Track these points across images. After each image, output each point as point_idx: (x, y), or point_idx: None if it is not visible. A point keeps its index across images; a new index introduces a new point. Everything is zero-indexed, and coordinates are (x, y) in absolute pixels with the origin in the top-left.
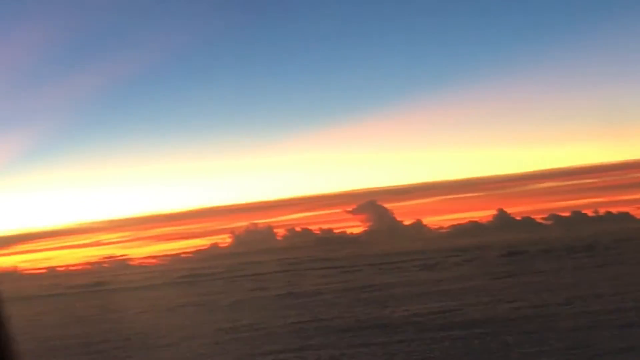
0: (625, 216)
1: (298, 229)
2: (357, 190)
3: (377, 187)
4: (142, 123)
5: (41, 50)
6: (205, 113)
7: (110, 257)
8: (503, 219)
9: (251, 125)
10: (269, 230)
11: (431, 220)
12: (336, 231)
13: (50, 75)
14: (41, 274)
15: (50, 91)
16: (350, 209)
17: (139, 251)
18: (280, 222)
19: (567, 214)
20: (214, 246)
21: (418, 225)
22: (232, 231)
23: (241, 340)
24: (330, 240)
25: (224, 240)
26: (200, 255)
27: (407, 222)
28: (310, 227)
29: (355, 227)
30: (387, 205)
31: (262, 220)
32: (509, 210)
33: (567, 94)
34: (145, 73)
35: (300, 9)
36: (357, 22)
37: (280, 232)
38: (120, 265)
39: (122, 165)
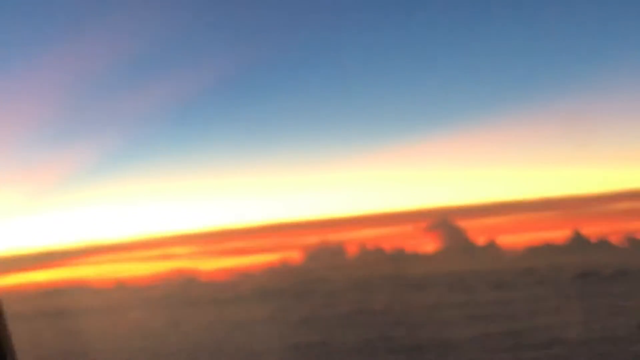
0: None
1: (370, 246)
2: (431, 207)
3: (451, 205)
4: (214, 135)
5: (109, 60)
6: (280, 126)
7: (180, 270)
8: (578, 240)
9: (324, 140)
10: (340, 246)
11: (505, 240)
12: (408, 249)
13: (120, 85)
14: (109, 287)
15: (120, 102)
16: (423, 226)
17: (209, 265)
18: (352, 238)
19: None
20: (284, 262)
21: (491, 244)
22: (303, 247)
23: (311, 357)
24: (401, 258)
25: (295, 256)
26: (270, 270)
27: (480, 241)
28: (382, 245)
29: (428, 245)
30: (461, 224)
31: (334, 237)
32: (585, 231)
33: None
34: (218, 86)
35: (371, 25)
36: (429, 35)
37: (352, 248)
38: (190, 279)
39: (193, 177)
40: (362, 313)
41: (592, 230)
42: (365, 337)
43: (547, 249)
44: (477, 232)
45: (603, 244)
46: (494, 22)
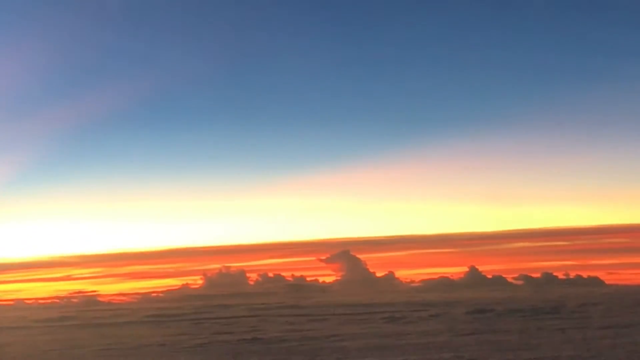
0: (594, 280)
1: (270, 274)
2: (332, 239)
3: (352, 237)
4: (119, 160)
5: (18, 81)
6: (184, 154)
7: (80, 292)
8: (474, 276)
9: (228, 169)
10: (241, 274)
11: (403, 274)
12: (308, 279)
13: (26, 107)
14: (8, 305)
15: (27, 122)
16: (323, 257)
17: (110, 288)
18: (253, 266)
19: (537, 274)
20: (185, 287)
21: (390, 277)
22: (204, 273)
23: None
24: (301, 287)
25: (196, 281)
26: (170, 295)
27: (379, 274)
28: (282, 274)
29: (328, 275)
30: (361, 256)
31: (235, 264)
32: (481, 268)
33: (545, 156)
34: (129, 111)
35: (288, 51)
36: (343, 70)
37: (253, 276)
38: (90, 301)
39: (96, 200)
40: (258, 341)
41: (488, 267)
42: None
43: (445, 284)
44: (378, 265)
45: (498, 281)
46: (402, 64)
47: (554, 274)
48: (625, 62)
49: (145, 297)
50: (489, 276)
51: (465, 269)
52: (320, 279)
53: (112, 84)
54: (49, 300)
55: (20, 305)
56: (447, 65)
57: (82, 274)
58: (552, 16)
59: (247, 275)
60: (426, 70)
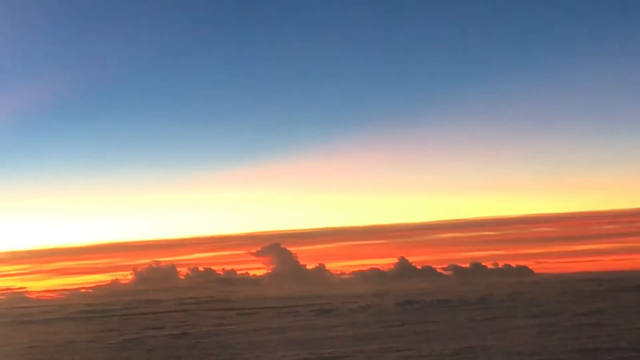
0: (523, 270)
1: (201, 268)
2: (262, 232)
3: (283, 230)
4: (45, 156)
5: None
6: (113, 149)
7: (8, 289)
8: (404, 267)
9: (158, 164)
10: (172, 268)
11: (334, 266)
12: (239, 272)
13: None
14: None
15: None
16: (254, 250)
17: (38, 284)
18: (184, 261)
19: (466, 265)
20: (115, 282)
21: (320, 269)
22: (134, 268)
23: None
24: (231, 281)
25: (126, 277)
26: (100, 291)
27: (309, 267)
28: (213, 267)
29: (258, 269)
30: (291, 249)
31: (166, 259)
32: (410, 259)
33: (472, 147)
34: (56, 107)
35: (216, 47)
36: (267, 61)
37: (183, 271)
38: (18, 297)
39: (23, 196)
40: (187, 336)
41: (417, 258)
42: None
43: (375, 276)
44: (308, 258)
45: (427, 271)
46: (323, 55)
47: (483, 264)
48: (546, 54)
49: (74, 293)
50: (419, 267)
51: (395, 260)
52: (251, 273)
53: (30, 81)
54: None
55: None
56: (370, 57)
57: (9, 270)
58: (469, 5)
59: (177, 269)
60: (351, 63)
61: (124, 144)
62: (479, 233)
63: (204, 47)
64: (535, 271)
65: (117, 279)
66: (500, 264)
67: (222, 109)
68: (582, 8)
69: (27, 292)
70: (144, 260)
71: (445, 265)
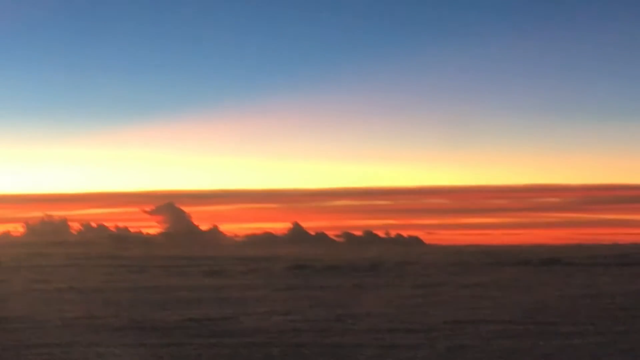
0: (414, 240)
1: (94, 224)
2: (157, 190)
3: (178, 190)
4: None
5: None
6: (3, 99)
7: None
8: (297, 232)
9: (52, 115)
10: (64, 223)
11: (228, 228)
12: (132, 230)
13: None
14: None
15: None
16: (148, 209)
17: None
18: (76, 216)
19: (359, 232)
20: (6, 234)
21: (214, 231)
22: (26, 221)
23: (8, 331)
24: (124, 238)
25: (17, 229)
26: None
27: (203, 227)
28: (106, 224)
29: (152, 227)
30: (186, 209)
31: (58, 213)
32: (304, 224)
33: (367, 116)
34: None
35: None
36: (174, 22)
37: (75, 226)
38: None
39: None
40: (73, 290)
41: (312, 224)
42: (71, 315)
43: (268, 239)
44: (202, 219)
45: (320, 238)
46: (233, 19)
47: (375, 232)
48: (449, 26)
49: None
50: (312, 233)
51: (289, 225)
52: (144, 231)
53: None
54: None
55: None
56: (265, 22)
57: None
58: None
59: (70, 224)
60: (247, 27)
61: (20, 93)
62: (373, 202)
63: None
64: (426, 242)
65: (7, 231)
66: (392, 233)
67: (119, 65)
68: None
69: None
70: (37, 214)
71: (339, 232)
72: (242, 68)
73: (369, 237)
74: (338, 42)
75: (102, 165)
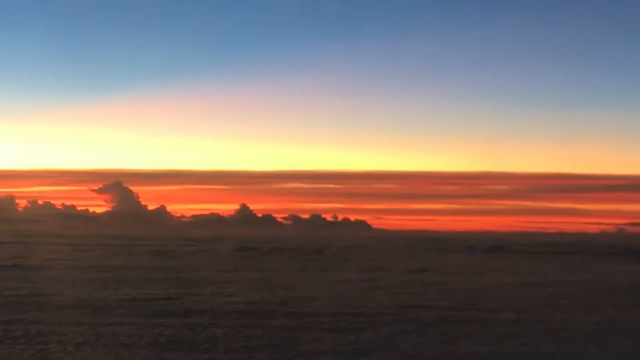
0: (361, 224)
1: (40, 202)
2: (105, 169)
3: (126, 169)
4: None
5: None
6: None
7: None
8: (245, 214)
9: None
10: (10, 200)
11: (175, 208)
12: (79, 208)
13: None
14: None
15: None
16: (95, 187)
17: None
18: (23, 193)
19: (306, 216)
20: None
21: (161, 211)
22: None
23: None
24: (71, 217)
25: None
26: None
27: (151, 207)
28: (53, 202)
29: (99, 206)
30: (133, 189)
31: (4, 189)
32: (252, 206)
33: (317, 98)
34: None
35: None
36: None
37: (22, 203)
38: None
39: None
40: (18, 267)
41: (259, 206)
42: (14, 292)
43: (215, 221)
44: (150, 199)
45: (268, 220)
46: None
47: (323, 215)
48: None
49: None
50: (259, 215)
51: (237, 206)
52: (91, 209)
53: None
54: None
55: None
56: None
57: None
58: None
59: (16, 201)
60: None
61: None
62: (322, 185)
63: None
64: (373, 226)
65: None
66: (340, 217)
67: (68, 42)
68: None
69: None
70: None
71: (286, 215)
72: (191, 49)
73: (317, 220)
74: (287, 24)
75: (50, 142)
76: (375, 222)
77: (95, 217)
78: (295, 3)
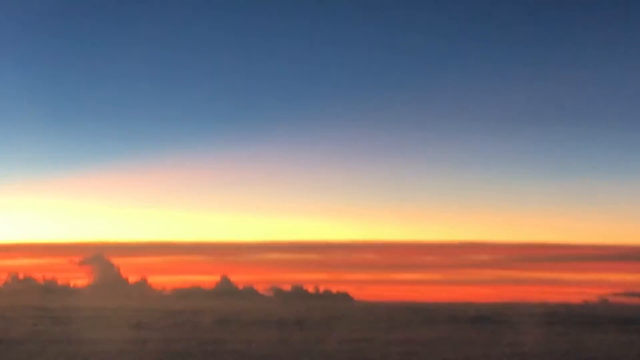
0: (343, 295)
1: (21, 275)
2: (86, 242)
3: (107, 241)
4: None
5: None
6: None
7: None
8: (226, 286)
9: None
10: None
11: (156, 280)
12: (60, 282)
13: None
14: None
15: None
16: (76, 260)
17: None
18: (3, 267)
19: (288, 287)
20: None
21: (142, 283)
22: None
23: None
24: (52, 290)
25: None
26: None
27: (132, 279)
28: (33, 275)
29: (80, 279)
30: (114, 261)
31: None
32: (233, 278)
33: (295, 169)
34: None
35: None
36: (103, 71)
37: (2, 277)
38: None
39: None
40: None
41: (240, 277)
42: None
43: (196, 293)
44: (131, 271)
45: (249, 292)
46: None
47: (304, 287)
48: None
49: None
50: (240, 287)
51: (218, 278)
52: (72, 283)
53: None
54: None
55: None
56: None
57: None
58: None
59: None
60: (176, 79)
61: None
62: (303, 256)
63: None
64: (355, 297)
65: None
66: (321, 289)
67: (46, 114)
68: None
69: None
70: None
71: (267, 287)
72: (171, 120)
73: (298, 292)
74: (270, 96)
75: (30, 214)
76: (356, 292)
77: (77, 291)
78: (284, 79)
